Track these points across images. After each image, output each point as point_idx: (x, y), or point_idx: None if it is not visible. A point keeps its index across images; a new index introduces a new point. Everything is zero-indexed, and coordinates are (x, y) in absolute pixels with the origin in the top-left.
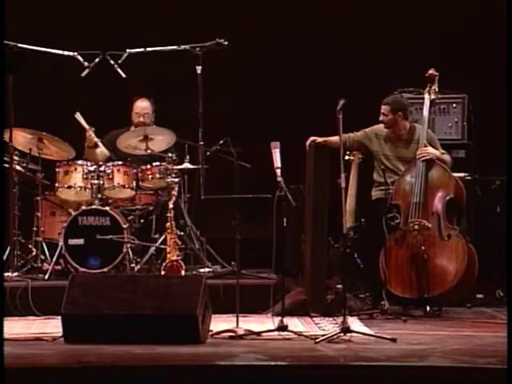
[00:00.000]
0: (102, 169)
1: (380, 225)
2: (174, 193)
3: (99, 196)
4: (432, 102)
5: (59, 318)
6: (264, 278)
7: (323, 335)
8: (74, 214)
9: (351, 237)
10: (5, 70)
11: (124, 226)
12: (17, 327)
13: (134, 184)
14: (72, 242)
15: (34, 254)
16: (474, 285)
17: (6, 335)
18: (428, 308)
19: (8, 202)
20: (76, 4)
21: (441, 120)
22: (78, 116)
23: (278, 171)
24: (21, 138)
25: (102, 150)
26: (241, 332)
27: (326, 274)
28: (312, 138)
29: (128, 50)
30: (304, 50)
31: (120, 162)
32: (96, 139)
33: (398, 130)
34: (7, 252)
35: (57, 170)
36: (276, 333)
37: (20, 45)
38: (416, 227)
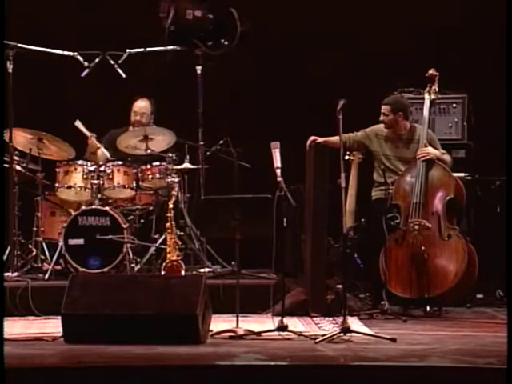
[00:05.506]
0: (102, 169)
1: (380, 225)
2: (174, 193)
3: (99, 196)
4: (432, 102)
5: (59, 318)
6: (264, 277)
7: (323, 335)
8: (74, 214)
9: (351, 237)
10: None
11: (124, 226)
12: (17, 327)
13: (134, 184)
14: (72, 242)
15: (34, 254)
16: (474, 285)
17: (6, 335)
18: (428, 308)
19: (8, 201)
20: (76, 4)
21: (441, 120)
22: (78, 124)
23: (278, 171)
24: (21, 138)
25: (102, 153)
26: (241, 332)
27: (326, 274)
28: (312, 138)
29: (128, 50)
30: (304, 50)
31: (120, 162)
32: (98, 145)
33: (399, 130)
34: (7, 252)
35: (57, 170)
36: (276, 333)
37: (20, 45)
38: (416, 227)
